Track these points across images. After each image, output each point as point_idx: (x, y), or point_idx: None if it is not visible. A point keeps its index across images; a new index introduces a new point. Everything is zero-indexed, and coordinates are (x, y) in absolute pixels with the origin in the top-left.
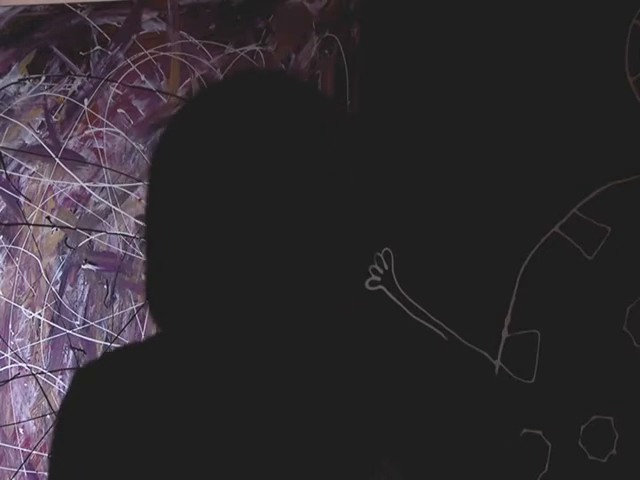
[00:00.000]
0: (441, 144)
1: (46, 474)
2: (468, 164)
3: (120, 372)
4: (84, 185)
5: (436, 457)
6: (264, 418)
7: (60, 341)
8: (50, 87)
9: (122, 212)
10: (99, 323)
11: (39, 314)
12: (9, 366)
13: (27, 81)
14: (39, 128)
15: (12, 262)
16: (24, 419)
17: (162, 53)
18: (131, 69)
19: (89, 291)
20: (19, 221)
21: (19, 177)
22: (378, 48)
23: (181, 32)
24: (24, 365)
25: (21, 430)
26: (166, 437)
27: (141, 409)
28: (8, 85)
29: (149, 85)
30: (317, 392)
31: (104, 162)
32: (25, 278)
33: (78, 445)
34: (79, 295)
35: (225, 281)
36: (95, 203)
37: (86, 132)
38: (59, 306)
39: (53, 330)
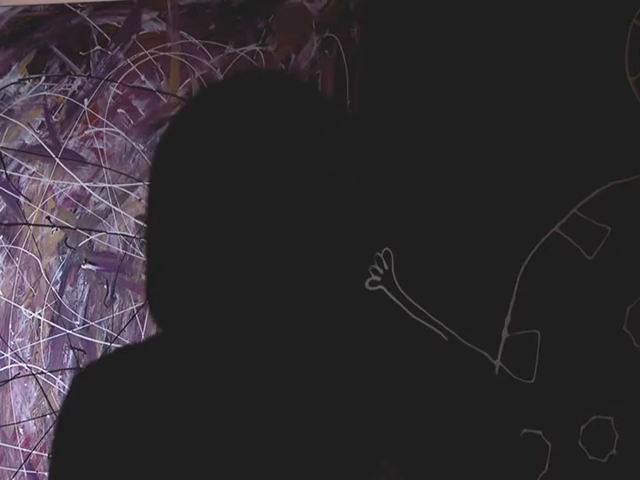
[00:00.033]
0: (441, 144)
1: (46, 474)
2: (468, 164)
3: (120, 373)
4: (84, 185)
5: (436, 457)
6: (264, 418)
7: (60, 341)
8: (50, 87)
9: (122, 212)
10: (99, 323)
11: (39, 314)
12: (9, 366)
13: (27, 81)
14: (39, 128)
15: (12, 262)
16: (24, 419)
17: (162, 53)
18: (131, 69)
19: (89, 291)
20: (19, 221)
21: (19, 177)
22: (378, 48)
23: (181, 32)
24: (24, 365)
25: (21, 430)
26: (166, 437)
27: (141, 410)
28: (8, 85)
29: (149, 85)
30: (317, 392)
31: (104, 162)
32: (25, 278)
33: (78, 446)
34: (79, 295)
35: (225, 281)
36: (95, 203)
37: (86, 132)
38: (59, 306)
39: (53, 330)
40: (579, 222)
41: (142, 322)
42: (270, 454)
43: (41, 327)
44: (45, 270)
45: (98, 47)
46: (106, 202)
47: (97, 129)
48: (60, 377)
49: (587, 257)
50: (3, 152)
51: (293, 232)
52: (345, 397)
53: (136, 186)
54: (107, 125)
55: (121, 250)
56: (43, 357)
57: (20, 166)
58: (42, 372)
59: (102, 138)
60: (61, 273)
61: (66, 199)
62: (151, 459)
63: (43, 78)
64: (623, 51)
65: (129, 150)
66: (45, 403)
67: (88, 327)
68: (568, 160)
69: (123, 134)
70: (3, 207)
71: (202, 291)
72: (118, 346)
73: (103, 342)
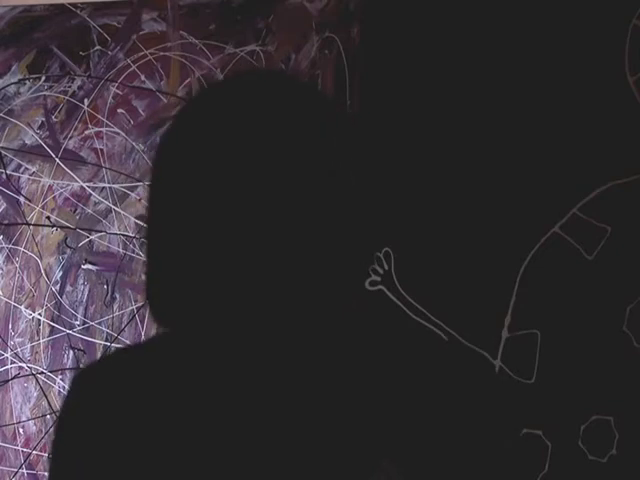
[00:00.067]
0: (441, 144)
1: (46, 474)
2: (468, 164)
3: (120, 373)
4: (84, 185)
5: (436, 457)
6: (264, 418)
7: (60, 341)
8: (50, 87)
9: (122, 212)
10: (99, 323)
11: (39, 314)
12: (9, 366)
13: (27, 81)
14: (39, 128)
15: (12, 262)
16: (24, 419)
17: (162, 53)
18: (131, 69)
19: (89, 291)
20: (19, 221)
21: (19, 177)
22: (378, 48)
23: (181, 32)
24: (24, 365)
25: (21, 430)
26: (166, 438)
27: (141, 410)
28: (8, 85)
29: (149, 85)
30: (317, 392)
31: (104, 162)
32: (25, 278)
33: (79, 446)
34: (79, 295)
35: (225, 281)
36: (95, 203)
37: (86, 132)
38: (59, 306)
39: (53, 330)
40: (579, 222)
41: (142, 322)
42: (270, 454)
43: (41, 327)
44: (45, 270)
45: (98, 47)
46: (106, 202)
47: (97, 129)
48: (60, 377)
49: (587, 257)
50: (3, 152)
51: (293, 232)
52: (345, 397)
53: (136, 186)
54: (107, 125)
55: (121, 250)
56: (43, 357)
57: (20, 166)
58: (42, 372)
59: (102, 138)
60: (61, 273)
61: (66, 199)
62: (151, 459)
63: (43, 78)
64: (623, 51)
65: (129, 150)
66: (45, 403)
67: (88, 327)
68: (568, 160)
69: (123, 134)
70: (3, 207)
71: (202, 291)
72: (118, 346)
73: (103, 342)
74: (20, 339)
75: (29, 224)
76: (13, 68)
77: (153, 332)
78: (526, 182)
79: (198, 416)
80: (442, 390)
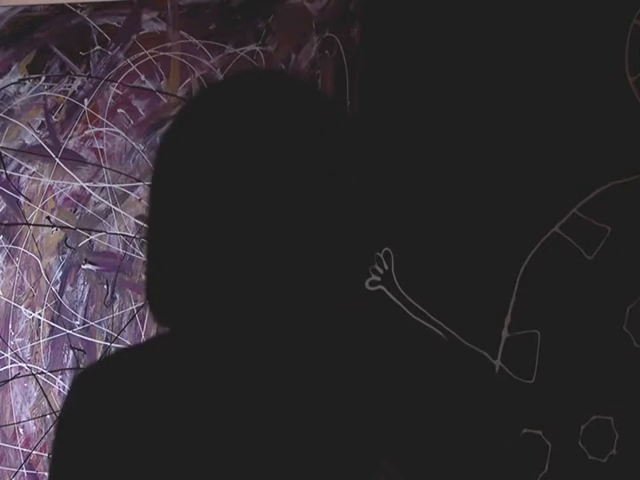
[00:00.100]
0: (441, 144)
1: (46, 474)
2: (468, 164)
3: (120, 374)
4: (84, 185)
5: (436, 457)
6: (264, 418)
7: (60, 341)
8: (50, 87)
9: (122, 212)
10: (99, 323)
11: (39, 314)
12: (9, 366)
13: (27, 81)
14: (39, 128)
15: (12, 262)
16: (24, 419)
17: (162, 53)
18: (131, 69)
19: (89, 291)
20: (19, 221)
21: (19, 177)
22: (378, 48)
23: (181, 32)
24: (24, 365)
25: (21, 430)
26: (167, 438)
27: (141, 410)
28: (8, 85)
29: (149, 85)
30: (317, 392)
31: (104, 162)
32: (25, 278)
33: (79, 448)
34: (79, 295)
35: (225, 281)
36: (95, 203)
37: (86, 132)
38: (59, 306)
39: (53, 330)
40: (579, 222)
41: (142, 322)
42: (270, 454)
43: (41, 327)
44: (45, 270)
45: (98, 47)
46: (106, 202)
47: (97, 129)
48: (60, 377)
49: (587, 257)
50: (3, 152)
51: (293, 232)
52: (345, 397)
53: (136, 186)
54: (107, 125)
55: (121, 250)
56: (43, 357)
57: (20, 166)
58: (42, 372)
59: (102, 138)
60: (61, 273)
61: (66, 199)
62: (151, 460)
63: (43, 78)
64: (623, 51)
65: (129, 150)
66: (45, 403)
67: (88, 327)
68: (568, 160)
69: (123, 134)
70: (3, 207)
71: (202, 291)
72: (118, 346)
73: (103, 342)
74: (20, 339)
75: (29, 224)
76: (13, 68)
77: (153, 332)
78: (526, 182)
79: (198, 416)
80: (442, 390)
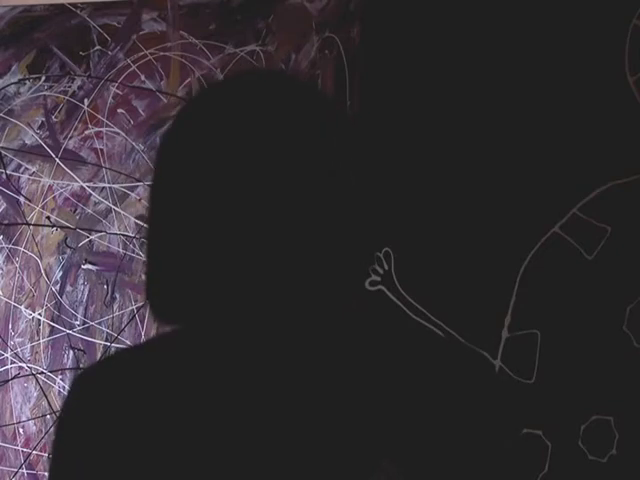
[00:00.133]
0: (441, 144)
1: (46, 474)
2: (468, 164)
3: (121, 374)
4: (84, 185)
5: (436, 457)
6: (264, 418)
7: (60, 341)
8: (50, 87)
9: (122, 212)
10: (99, 323)
11: (39, 314)
12: (9, 366)
13: (27, 81)
14: (39, 128)
15: (12, 262)
16: (24, 419)
17: (162, 53)
18: (131, 69)
19: (89, 291)
20: (19, 221)
21: (19, 177)
22: (378, 48)
23: (181, 32)
24: (24, 365)
25: (21, 430)
26: (167, 438)
27: (142, 411)
28: (8, 85)
29: (149, 85)
30: (317, 392)
31: (104, 162)
32: (25, 278)
33: (79, 448)
34: (79, 295)
35: (226, 281)
36: (95, 203)
37: (86, 132)
38: (59, 306)
39: (53, 330)
40: (579, 222)
41: (142, 322)
42: (270, 454)
43: (41, 327)
44: (45, 270)
45: (98, 47)
46: (106, 202)
47: (97, 129)
48: (60, 377)
49: (587, 257)
50: (3, 152)
51: (293, 232)
52: (345, 397)
53: (136, 186)
54: (107, 125)
55: (121, 250)
56: (43, 357)
57: (20, 166)
58: (42, 372)
59: (102, 138)
60: (61, 273)
61: (66, 199)
62: (151, 460)
63: (43, 78)
64: (623, 51)
65: (129, 150)
66: (45, 403)
67: (88, 327)
68: (568, 160)
69: (123, 134)
70: (3, 207)
71: (202, 291)
72: (118, 346)
73: (103, 342)
74: (20, 339)
75: (29, 224)
76: (13, 68)
77: (153, 332)
78: (526, 182)
79: (198, 416)
80: (442, 390)
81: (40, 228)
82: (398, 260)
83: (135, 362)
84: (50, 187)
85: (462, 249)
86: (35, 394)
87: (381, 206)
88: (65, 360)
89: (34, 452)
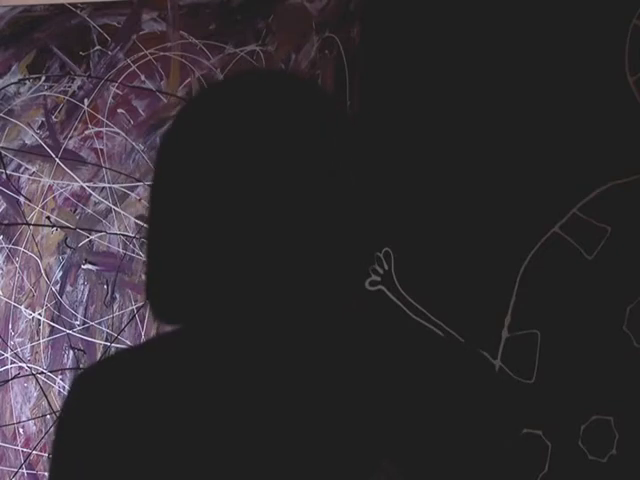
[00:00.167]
0: (441, 144)
1: (46, 474)
2: (468, 164)
3: (121, 375)
4: (84, 185)
5: (436, 457)
6: (264, 418)
7: (60, 341)
8: (50, 87)
9: (122, 212)
10: (99, 323)
11: (39, 314)
12: (9, 366)
13: (27, 81)
14: (39, 128)
15: (12, 262)
16: (24, 419)
17: (162, 53)
18: (131, 69)
19: (89, 291)
20: (19, 221)
21: (19, 177)
22: (378, 48)
23: (181, 32)
24: (24, 365)
25: (21, 430)
26: (167, 438)
27: (142, 412)
28: (8, 85)
29: (149, 85)
30: (317, 392)
31: (104, 162)
32: (25, 278)
33: (79, 448)
34: (79, 295)
35: (226, 281)
36: (95, 203)
37: (86, 132)
38: (59, 306)
39: (53, 330)
40: (579, 222)
41: (142, 322)
42: (270, 454)
43: (41, 327)
44: (45, 270)
45: (98, 47)
46: (106, 202)
47: (97, 129)
48: (60, 377)
49: (587, 257)
50: (3, 152)
51: (293, 232)
52: (345, 397)
53: (136, 186)
54: (107, 125)
55: (121, 250)
56: (43, 357)
57: (20, 166)
58: (42, 372)
59: (102, 138)
60: (61, 273)
61: (66, 199)
62: (151, 460)
63: (43, 78)
64: (623, 51)
65: (129, 150)
66: (45, 403)
67: (88, 327)
68: (568, 160)
69: (123, 134)
70: (3, 207)
71: (202, 291)
72: (118, 346)
73: (103, 342)
74: (20, 339)
75: (29, 224)
76: (13, 68)
77: (153, 332)
78: (526, 182)
79: (198, 416)
80: (442, 390)
81: (40, 228)
82: (398, 260)
83: (135, 362)
84: (50, 187)
85: (462, 249)
86: (35, 394)
87: (381, 206)
88: (65, 360)
89: (34, 452)
